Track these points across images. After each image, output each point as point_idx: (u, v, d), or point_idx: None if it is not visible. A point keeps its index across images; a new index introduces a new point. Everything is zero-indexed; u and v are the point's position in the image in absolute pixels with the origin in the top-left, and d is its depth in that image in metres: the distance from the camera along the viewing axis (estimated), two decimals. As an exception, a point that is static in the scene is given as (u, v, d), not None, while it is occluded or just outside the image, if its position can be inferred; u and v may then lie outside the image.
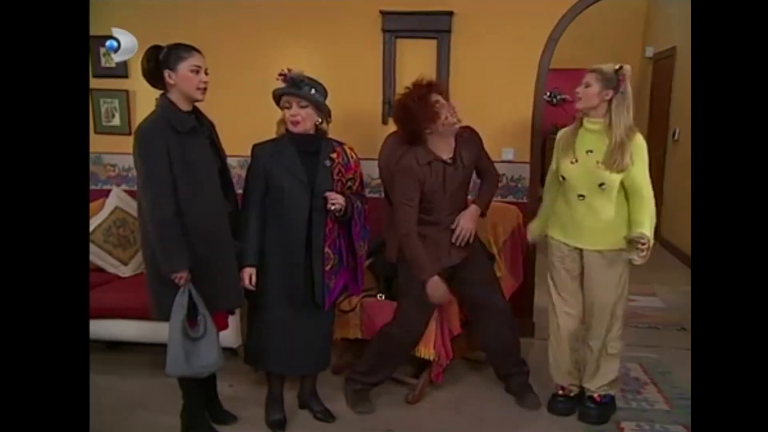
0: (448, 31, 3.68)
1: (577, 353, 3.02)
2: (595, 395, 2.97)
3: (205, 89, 2.50)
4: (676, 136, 6.10)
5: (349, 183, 2.82)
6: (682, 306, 4.46)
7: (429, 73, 3.65)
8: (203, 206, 2.48)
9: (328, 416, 2.99)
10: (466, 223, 2.91)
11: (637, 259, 2.62)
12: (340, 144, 2.83)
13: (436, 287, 2.82)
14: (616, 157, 2.63)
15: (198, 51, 2.50)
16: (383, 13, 3.69)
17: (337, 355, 3.42)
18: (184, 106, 2.50)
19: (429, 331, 3.03)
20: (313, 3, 3.73)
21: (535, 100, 3.72)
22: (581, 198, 2.74)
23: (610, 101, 2.67)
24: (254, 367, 2.99)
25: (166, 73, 2.44)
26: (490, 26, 3.66)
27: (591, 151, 2.70)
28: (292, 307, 2.74)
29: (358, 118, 3.80)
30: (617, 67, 2.67)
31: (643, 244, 2.57)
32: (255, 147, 2.72)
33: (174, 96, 2.48)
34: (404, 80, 3.71)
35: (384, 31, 3.72)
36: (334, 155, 2.76)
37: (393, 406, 3.13)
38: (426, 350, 3.05)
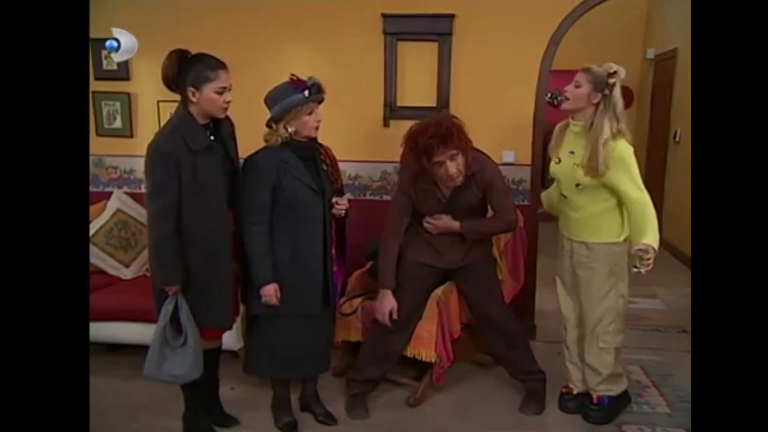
0: (449, 34, 3.67)
1: (580, 345, 3.02)
2: (594, 396, 2.98)
3: (227, 108, 2.48)
4: (677, 138, 6.10)
5: (335, 182, 2.86)
6: (684, 308, 4.45)
7: (430, 75, 3.70)
8: (206, 227, 2.48)
9: (329, 419, 3.00)
10: (439, 223, 2.89)
11: (642, 270, 2.57)
12: (321, 144, 2.83)
13: (383, 300, 2.89)
14: (592, 164, 2.61)
15: (224, 68, 2.43)
16: (384, 16, 3.68)
17: (339, 358, 3.42)
18: (203, 119, 2.48)
19: (429, 333, 3.04)
20: (314, 5, 3.73)
21: (537, 102, 3.72)
22: (564, 197, 2.82)
23: (597, 104, 2.64)
24: (259, 374, 2.96)
25: (190, 91, 2.40)
26: (491, 28, 3.66)
27: (572, 153, 2.73)
28: (305, 316, 2.73)
29: (359, 120, 3.81)
30: (612, 70, 2.61)
31: (648, 256, 2.53)
32: (255, 160, 2.63)
33: (193, 109, 2.45)
34: (406, 83, 3.76)
35: (385, 33, 3.72)
36: (322, 157, 2.79)
37: (394, 408, 3.13)
38: (427, 353, 3.05)
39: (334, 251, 2.81)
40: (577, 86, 2.67)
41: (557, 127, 2.92)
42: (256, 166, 2.61)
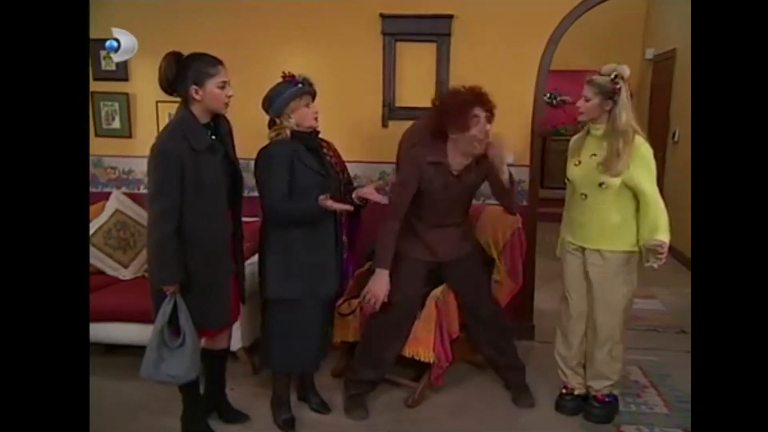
0: (448, 34, 3.68)
1: (582, 352, 3.04)
2: (598, 395, 2.99)
3: (228, 103, 2.52)
4: (676, 138, 6.10)
5: (341, 173, 2.95)
6: (682, 308, 4.46)
7: (429, 76, 3.71)
8: (208, 227, 2.50)
9: (324, 408, 3.07)
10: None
11: (655, 265, 2.66)
12: (324, 140, 2.94)
13: (379, 281, 2.82)
14: (611, 163, 2.67)
15: (222, 64, 2.48)
16: (383, 17, 3.69)
17: (337, 359, 3.42)
18: (204, 118, 2.50)
19: (428, 334, 3.03)
20: (313, 6, 3.74)
21: (535, 103, 3.72)
22: (584, 197, 2.81)
23: (610, 110, 2.70)
24: (273, 370, 2.97)
25: (193, 89, 2.43)
26: (490, 29, 3.67)
27: (594, 155, 2.76)
28: (317, 304, 2.80)
29: (358, 121, 3.81)
30: (612, 76, 2.68)
31: (662, 250, 2.61)
32: (271, 151, 2.70)
33: (195, 108, 2.48)
34: (404, 83, 3.77)
35: (384, 34, 3.72)
36: (325, 150, 2.89)
37: (393, 408, 3.13)
38: (425, 353, 3.05)
39: (345, 237, 2.89)
40: (587, 100, 2.73)
41: (574, 139, 2.96)
42: (272, 156, 2.69)
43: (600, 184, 2.72)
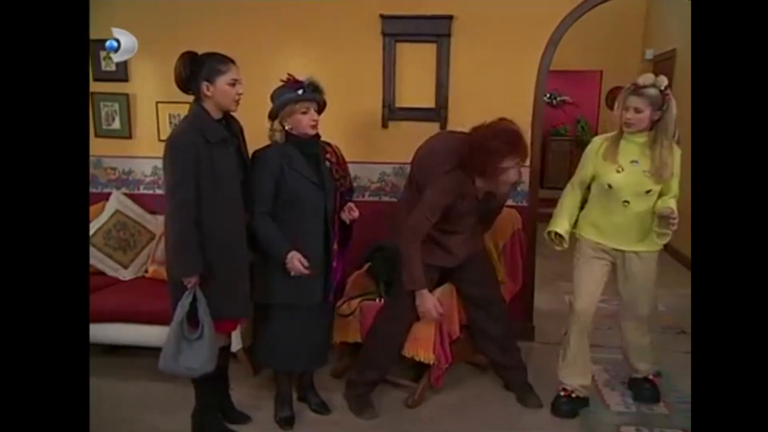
0: (448, 35, 3.68)
1: (587, 353, 3.07)
2: (650, 376, 3.18)
3: (239, 100, 2.57)
4: (676, 138, 6.09)
5: (340, 180, 2.91)
6: (682, 309, 4.45)
7: (429, 76, 3.71)
8: (223, 218, 2.54)
9: (323, 408, 3.08)
10: None
11: (668, 233, 2.75)
12: (329, 144, 2.92)
13: (425, 300, 2.89)
14: (662, 172, 2.77)
15: (233, 62, 2.55)
16: (383, 17, 3.69)
17: (337, 359, 3.42)
18: (216, 115, 2.56)
19: (428, 334, 3.03)
20: (313, 6, 3.73)
21: (535, 103, 3.72)
22: (626, 204, 2.85)
23: (657, 120, 2.79)
24: (270, 367, 3.00)
25: (204, 85, 2.49)
26: (490, 29, 3.66)
27: (636, 162, 2.81)
28: (304, 308, 2.80)
29: (358, 121, 3.80)
30: (662, 86, 2.77)
31: (673, 218, 2.69)
32: (263, 153, 2.72)
33: (208, 105, 2.53)
34: (404, 84, 3.76)
35: (384, 34, 3.72)
36: (327, 155, 2.87)
37: (393, 409, 3.13)
38: (425, 354, 3.05)
39: (336, 246, 2.86)
40: (638, 111, 2.77)
41: (602, 140, 2.96)
42: (262, 159, 2.70)
43: (647, 192, 2.80)
